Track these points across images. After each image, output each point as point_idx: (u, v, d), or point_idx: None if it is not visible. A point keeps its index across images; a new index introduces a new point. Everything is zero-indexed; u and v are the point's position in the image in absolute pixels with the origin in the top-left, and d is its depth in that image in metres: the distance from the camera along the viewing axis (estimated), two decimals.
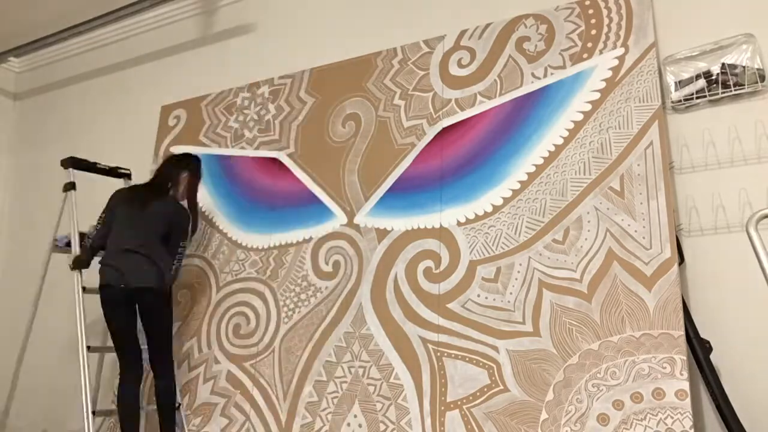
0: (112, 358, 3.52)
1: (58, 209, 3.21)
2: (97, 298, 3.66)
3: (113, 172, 3.33)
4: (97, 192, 3.11)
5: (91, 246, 2.88)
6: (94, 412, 2.60)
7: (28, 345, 3.26)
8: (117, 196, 2.89)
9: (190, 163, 3.02)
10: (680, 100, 2.40)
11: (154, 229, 2.74)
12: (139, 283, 2.63)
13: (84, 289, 2.84)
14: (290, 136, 3.18)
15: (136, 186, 3.00)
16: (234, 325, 3.03)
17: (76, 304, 2.81)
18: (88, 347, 2.71)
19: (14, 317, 4.13)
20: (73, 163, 3.15)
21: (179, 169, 2.96)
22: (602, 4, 2.58)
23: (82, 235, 3.14)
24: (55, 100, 4.55)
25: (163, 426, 2.69)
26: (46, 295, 3.51)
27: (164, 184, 2.90)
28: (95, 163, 3.24)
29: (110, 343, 2.72)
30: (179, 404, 2.91)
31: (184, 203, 2.93)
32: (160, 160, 3.57)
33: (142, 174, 3.74)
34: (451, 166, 2.70)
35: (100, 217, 2.85)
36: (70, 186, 3.12)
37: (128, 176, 3.39)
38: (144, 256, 2.67)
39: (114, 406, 2.66)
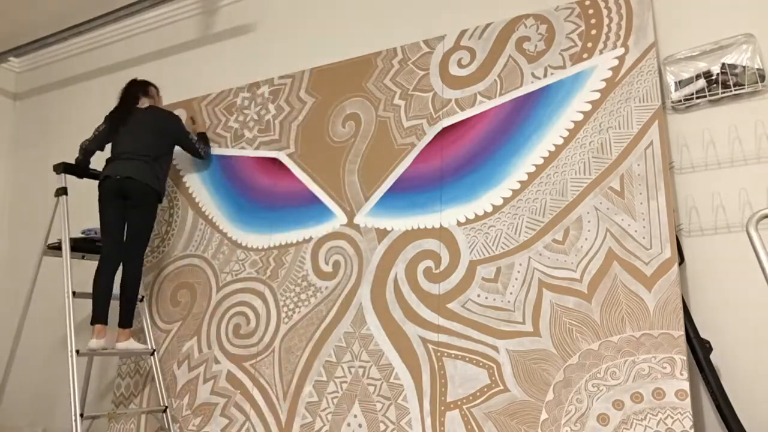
0: (99, 361, 3.55)
1: (52, 213, 3.23)
2: (85, 302, 3.69)
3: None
4: (93, 195, 3.11)
5: (86, 149, 3.16)
6: (81, 415, 2.61)
7: (18, 346, 3.27)
8: (109, 119, 3.14)
9: (148, 88, 3.27)
10: (680, 100, 2.40)
11: (147, 141, 3.02)
12: (134, 175, 2.91)
13: (74, 293, 2.88)
14: (290, 136, 3.18)
15: (119, 110, 3.16)
16: (234, 325, 3.03)
17: (66, 308, 2.83)
18: (77, 351, 2.72)
19: (13, 318, 4.13)
20: (65, 168, 3.18)
21: (148, 86, 3.26)
22: (602, 4, 2.58)
23: (74, 240, 3.16)
24: (55, 100, 4.55)
25: (122, 312, 2.91)
26: (37, 297, 3.53)
27: (136, 99, 3.17)
28: (87, 168, 3.25)
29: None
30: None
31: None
32: None
33: None
34: (451, 166, 2.70)
35: (96, 128, 3.15)
36: (62, 191, 3.16)
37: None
38: (139, 161, 2.95)
39: (102, 411, 2.70)
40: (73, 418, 2.59)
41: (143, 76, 4.06)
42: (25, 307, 3.25)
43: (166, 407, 2.95)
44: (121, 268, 2.95)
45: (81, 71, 4.44)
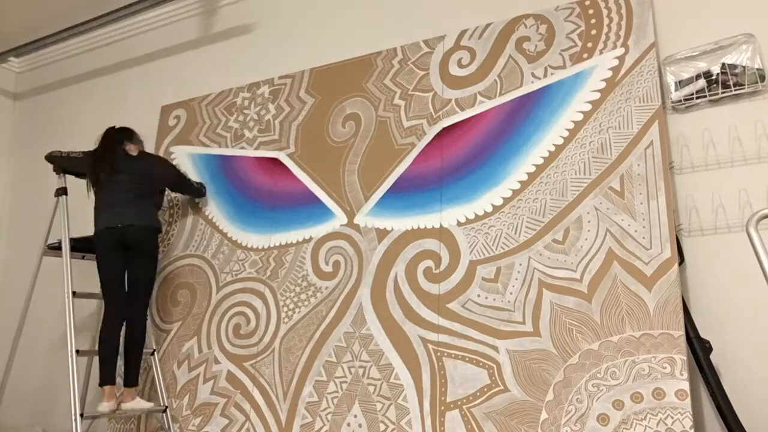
0: (98, 361, 3.55)
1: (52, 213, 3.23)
2: (85, 302, 3.69)
3: None
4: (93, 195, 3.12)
5: (61, 165, 3.12)
6: (81, 415, 2.61)
7: (19, 346, 3.27)
8: (95, 162, 3.00)
9: (133, 134, 3.12)
10: (680, 100, 2.40)
11: (136, 188, 2.93)
12: (136, 222, 2.85)
13: (74, 293, 2.87)
14: (290, 136, 3.18)
15: (99, 159, 3.01)
16: (234, 325, 3.03)
17: (66, 308, 2.82)
18: (77, 351, 2.73)
19: (13, 318, 4.13)
20: (65, 168, 3.17)
21: (130, 132, 3.11)
22: (602, 4, 2.58)
23: (74, 240, 3.16)
24: (55, 100, 4.55)
25: (128, 370, 2.82)
26: (37, 297, 3.53)
27: (122, 144, 3.03)
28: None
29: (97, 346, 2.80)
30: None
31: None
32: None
33: None
34: (451, 166, 2.70)
35: (75, 153, 3.08)
36: (62, 191, 3.15)
37: None
38: (134, 206, 2.89)
39: (100, 410, 2.69)
40: (73, 418, 2.59)
41: (143, 75, 4.08)
42: (25, 307, 3.25)
43: (166, 407, 2.94)
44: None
45: (81, 71, 4.44)
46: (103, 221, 2.86)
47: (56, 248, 3.22)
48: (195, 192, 3.27)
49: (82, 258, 3.37)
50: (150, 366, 3.14)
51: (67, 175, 3.18)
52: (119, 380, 2.89)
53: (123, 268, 2.88)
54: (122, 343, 2.83)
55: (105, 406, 2.68)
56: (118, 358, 2.77)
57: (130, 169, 2.96)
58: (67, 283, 2.87)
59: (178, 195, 3.44)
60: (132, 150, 3.05)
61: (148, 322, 2.99)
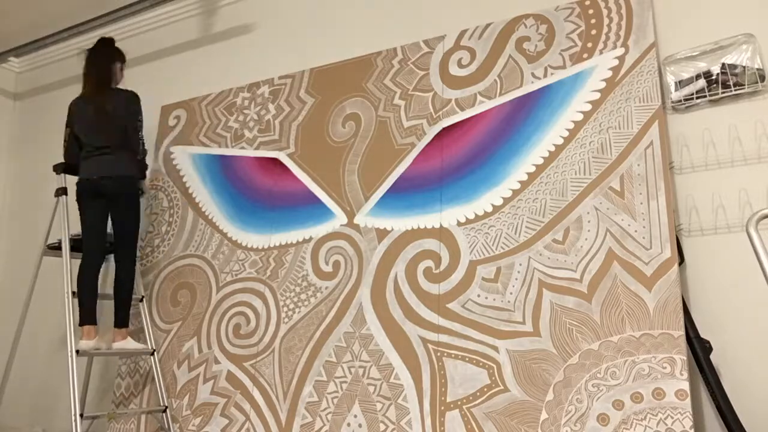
0: (99, 361, 3.55)
1: (52, 213, 3.23)
2: None
3: None
4: None
5: (68, 165, 3.13)
6: (81, 415, 2.61)
7: (19, 346, 3.27)
8: (74, 109, 3.08)
9: (118, 52, 3.19)
10: (680, 100, 2.40)
11: (115, 127, 2.97)
12: (111, 172, 2.90)
13: (74, 293, 2.87)
14: (290, 136, 3.18)
15: (86, 93, 3.08)
16: (234, 325, 3.03)
17: (65, 308, 2.82)
18: (77, 351, 2.73)
19: (13, 318, 4.13)
20: (65, 168, 3.18)
21: (114, 62, 3.15)
22: (602, 4, 2.58)
23: (74, 240, 3.15)
24: (55, 100, 4.55)
25: (118, 312, 2.91)
26: (37, 297, 3.53)
27: (108, 81, 3.08)
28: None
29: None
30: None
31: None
32: (161, 161, 3.59)
33: None
34: (451, 166, 2.70)
35: (65, 132, 3.10)
36: (62, 191, 3.16)
37: None
38: (112, 154, 2.94)
39: (102, 411, 2.70)
40: (73, 418, 2.60)
41: (143, 75, 4.07)
42: (25, 307, 3.25)
43: (166, 407, 2.95)
44: (113, 267, 2.96)
45: (81, 71, 4.43)
46: (82, 171, 2.95)
47: (56, 248, 3.23)
48: (139, 153, 3.11)
49: None
50: (150, 366, 3.14)
51: (67, 175, 3.18)
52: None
53: (103, 215, 2.95)
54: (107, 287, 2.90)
55: (84, 344, 2.75)
56: (97, 298, 2.87)
57: (106, 110, 2.96)
58: (67, 283, 2.87)
59: (179, 195, 3.44)
60: (118, 74, 3.14)
61: (137, 267, 3.06)
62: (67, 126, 3.10)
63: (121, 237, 2.97)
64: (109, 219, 2.99)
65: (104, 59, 3.12)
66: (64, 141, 3.11)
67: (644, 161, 2.33)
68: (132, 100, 3.06)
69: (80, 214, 2.94)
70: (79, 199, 2.94)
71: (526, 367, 2.33)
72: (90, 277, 2.86)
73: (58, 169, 3.18)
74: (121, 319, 2.93)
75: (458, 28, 2.92)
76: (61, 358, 3.86)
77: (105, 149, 2.95)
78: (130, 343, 2.92)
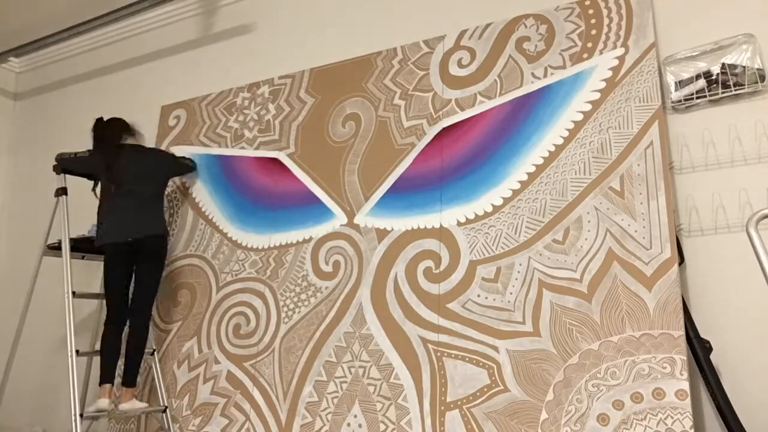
0: (98, 361, 3.55)
1: (52, 213, 3.23)
2: (85, 302, 3.68)
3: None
4: (92, 194, 3.11)
5: (65, 168, 3.14)
6: (81, 415, 2.61)
7: (19, 346, 3.27)
8: (101, 152, 3.01)
9: (129, 128, 3.13)
10: (680, 100, 2.40)
11: (141, 187, 2.95)
12: (145, 232, 2.88)
13: (74, 293, 2.88)
14: (290, 136, 3.18)
15: (101, 157, 3.01)
16: (234, 325, 3.03)
17: (66, 309, 2.83)
18: (77, 351, 2.74)
19: (13, 318, 4.13)
20: (64, 168, 3.17)
21: (126, 125, 3.12)
22: (602, 4, 2.58)
23: (74, 240, 3.15)
24: (55, 100, 4.55)
25: (127, 370, 2.85)
26: (37, 297, 3.52)
27: (119, 139, 3.04)
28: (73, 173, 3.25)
29: (98, 347, 2.84)
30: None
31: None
32: None
33: None
34: (451, 166, 2.70)
35: (78, 154, 3.08)
36: (62, 191, 3.16)
37: None
38: (139, 209, 2.91)
39: (96, 406, 2.70)
40: (73, 418, 2.59)
41: (143, 75, 4.07)
42: (25, 307, 3.25)
43: (166, 407, 2.95)
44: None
45: (81, 71, 4.44)
46: (114, 233, 2.86)
47: (56, 248, 3.23)
48: (190, 170, 3.34)
49: (82, 258, 3.38)
50: (150, 366, 3.14)
51: (67, 175, 3.18)
52: (118, 380, 2.89)
53: (129, 274, 2.92)
54: (124, 344, 2.86)
55: (101, 403, 2.71)
56: (119, 358, 2.81)
57: (138, 169, 2.97)
58: (67, 283, 2.87)
59: (179, 195, 3.44)
60: (133, 141, 3.10)
61: (150, 324, 3.00)
62: (89, 153, 3.05)
63: (142, 293, 2.92)
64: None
65: (119, 127, 3.10)
66: (75, 155, 3.08)
67: (644, 161, 2.33)
68: (160, 150, 3.22)
69: (106, 271, 2.87)
70: (107, 259, 2.87)
71: (526, 367, 2.33)
72: (116, 337, 2.82)
73: (58, 169, 3.18)
74: (131, 378, 2.86)
75: (458, 28, 2.92)
76: (61, 358, 3.86)
77: (137, 202, 2.91)
78: (136, 404, 2.85)
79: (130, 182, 2.93)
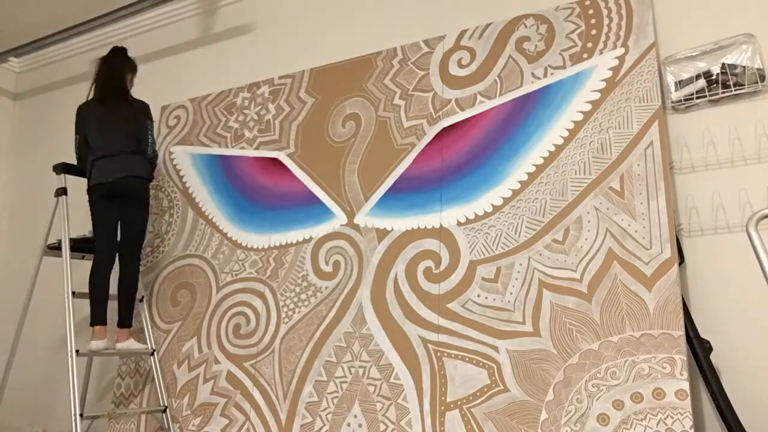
0: (99, 361, 3.55)
1: (52, 213, 3.23)
2: (85, 302, 3.67)
3: None
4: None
5: (76, 168, 3.14)
6: (81, 415, 2.62)
7: (19, 346, 3.27)
8: (86, 114, 3.04)
9: (131, 62, 3.20)
10: (680, 100, 2.40)
11: (129, 133, 2.98)
12: (129, 172, 2.91)
13: (74, 293, 2.88)
14: (290, 136, 3.18)
15: (99, 100, 3.06)
16: (234, 325, 3.03)
17: (65, 309, 2.83)
18: (77, 351, 2.74)
19: (13, 318, 4.13)
20: (65, 168, 3.17)
21: (128, 72, 3.17)
22: (602, 4, 2.58)
23: (74, 240, 3.15)
24: (55, 100, 4.55)
25: (122, 311, 2.93)
26: (37, 297, 3.52)
27: (122, 89, 3.10)
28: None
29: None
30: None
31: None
32: (161, 161, 3.59)
33: None
34: (451, 166, 2.70)
35: (76, 138, 3.07)
36: (62, 191, 3.16)
37: None
38: (126, 155, 2.94)
39: (102, 411, 2.70)
40: (74, 418, 2.60)
41: (143, 75, 4.07)
42: (25, 307, 3.25)
43: (166, 407, 2.95)
44: (117, 267, 2.96)
45: (81, 71, 4.44)
46: (100, 173, 2.90)
47: (56, 248, 3.22)
48: (152, 153, 3.16)
49: (82, 258, 3.37)
50: (150, 366, 3.14)
51: (67, 176, 3.18)
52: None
53: (116, 218, 2.97)
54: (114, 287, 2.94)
55: (94, 344, 2.77)
56: (108, 300, 2.88)
57: (121, 115, 3.00)
58: (67, 283, 2.88)
59: (179, 195, 3.44)
60: (129, 83, 3.14)
61: (140, 267, 3.09)
62: (77, 132, 3.07)
63: (130, 237, 2.99)
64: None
65: (118, 68, 3.14)
66: (77, 148, 3.08)
67: (644, 161, 2.33)
68: (144, 107, 3.13)
69: (93, 216, 2.94)
70: (94, 202, 2.94)
71: (526, 367, 2.33)
72: (103, 278, 2.87)
73: (58, 169, 3.18)
74: (125, 319, 2.94)
75: (458, 28, 2.92)
76: (61, 358, 3.86)
77: (120, 152, 2.94)
78: (133, 344, 2.93)
79: (117, 130, 2.97)
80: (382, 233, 2.78)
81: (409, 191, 2.77)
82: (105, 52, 4.30)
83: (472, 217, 2.60)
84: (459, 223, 2.62)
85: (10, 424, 3.88)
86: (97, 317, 2.82)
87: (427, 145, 2.78)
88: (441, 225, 2.65)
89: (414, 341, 2.57)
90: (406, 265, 2.68)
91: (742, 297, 2.21)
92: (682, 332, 2.11)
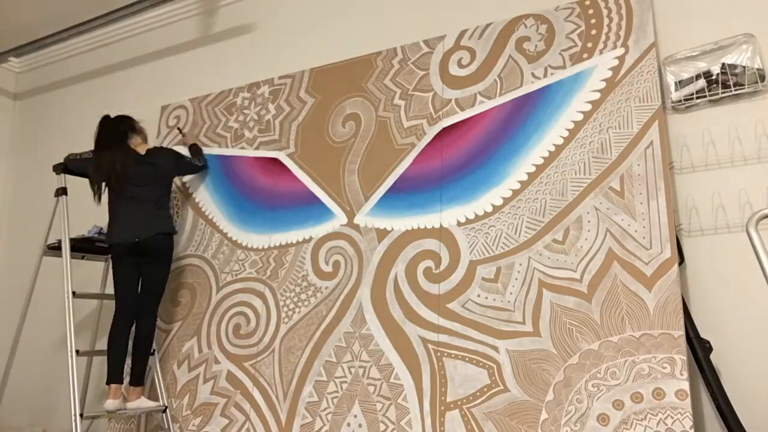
0: (99, 361, 3.55)
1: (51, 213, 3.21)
2: (85, 302, 3.67)
3: None
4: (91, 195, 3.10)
5: (70, 168, 3.09)
6: (81, 415, 2.62)
7: (19, 346, 3.27)
8: (101, 154, 2.97)
9: (129, 126, 3.07)
10: (680, 100, 2.40)
11: (146, 191, 2.93)
12: (152, 230, 2.85)
13: (74, 294, 2.88)
14: (290, 136, 3.18)
15: (105, 165, 2.94)
16: (234, 325, 3.03)
17: (65, 309, 2.83)
18: (77, 351, 2.75)
19: (13, 318, 4.13)
20: (65, 168, 3.15)
21: (131, 123, 3.08)
22: (602, 4, 2.58)
23: (74, 240, 3.14)
24: (55, 100, 4.55)
25: (135, 368, 2.85)
26: (37, 297, 3.52)
27: (122, 138, 3.00)
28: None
29: (100, 347, 2.88)
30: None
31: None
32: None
33: None
34: (451, 166, 2.70)
35: (86, 153, 3.03)
36: (62, 191, 3.14)
37: None
38: (147, 209, 2.90)
39: (105, 407, 2.69)
40: (73, 418, 2.59)
41: (143, 75, 4.07)
42: (25, 307, 3.25)
43: (166, 407, 2.95)
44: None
45: (81, 71, 4.44)
46: (120, 233, 2.85)
47: (56, 248, 3.22)
48: (196, 169, 3.29)
49: (82, 258, 3.38)
50: (150, 366, 3.14)
51: (67, 176, 3.18)
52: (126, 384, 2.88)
53: (138, 273, 2.91)
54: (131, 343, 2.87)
55: (110, 404, 2.69)
56: (126, 357, 2.82)
57: (141, 173, 2.94)
58: (67, 283, 2.88)
59: (179, 195, 3.44)
60: (138, 145, 3.03)
61: (157, 324, 3.02)
62: (87, 159, 3.01)
63: (150, 291, 2.93)
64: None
65: (124, 124, 3.06)
66: (80, 156, 3.04)
67: (644, 161, 2.33)
68: (164, 149, 3.12)
69: (114, 271, 2.87)
70: (114, 259, 2.87)
71: (526, 367, 2.33)
72: (124, 336, 2.80)
73: (58, 169, 3.17)
74: (138, 377, 2.87)
75: (458, 28, 2.92)
76: (61, 358, 3.86)
77: (143, 203, 2.91)
78: (144, 402, 2.84)
79: (134, 186, 2.91)
80: (382, 233, 2.78)
81: (409, 191, 2.77)
82: (105, 52, 4.34)
83: (472, 217, 2.60)
84: (459, 223, 2.62)
85: (10, 424, 3.88)
86: (114, 376, 2.74)
87: (427, 145, 2.78)
88: (441, 225, 2.65)
89: (414, 341, 2.57)
90: (406, 265, 2.68)
91: (742, 297, 2.21)
92: (682, 332, 2.11)
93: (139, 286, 2.93)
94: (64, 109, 4.46)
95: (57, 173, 3.18)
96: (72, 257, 3.03)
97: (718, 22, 2.42)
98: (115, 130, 3.02)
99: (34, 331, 3.98)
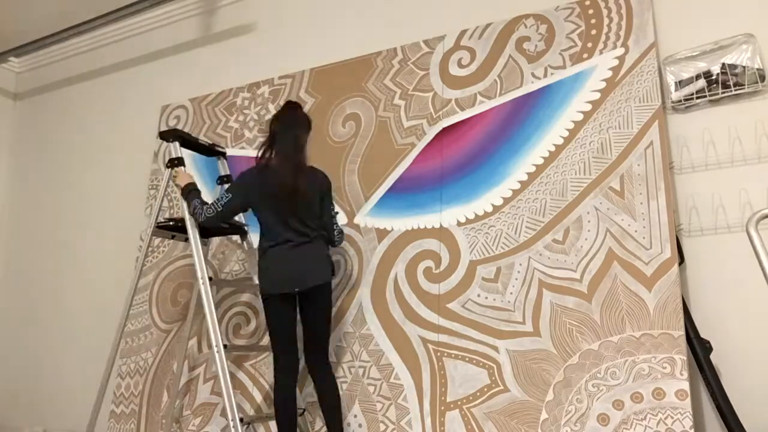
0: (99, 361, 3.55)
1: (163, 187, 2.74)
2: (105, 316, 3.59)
3: (211, 149, 2.94)
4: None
5: (221, 213, 2.45)
6: (241, 420, 2.34)
7: (19, 346, 3.22)
8: (256, 181, 2.44)
9: (309, 120, 2.55)
10: (680, 100, 2.40)
11: (311, 212, 2.43)
12: (313, 282, 2.35)
13: (210, 279, 2.54)
14: None
15: (278, 168, 2.43)
16: (234, 325, 3.03)
17: (203, 295, 2.50)
18: (225, 345, 2.43)
19: (13, 317, 4.13)
20: (176, 136, 2.66)
21: (308, 132, 2.53)
22: (602, 4, 2.58)
23: (172, 220, 2.80)
24: (55, 100, 4.55)
25: (332, 428, 2.35)
26: (38, 297, 3.49)
27: (303, 157, 2.47)
28: (197, 138, 2.84)
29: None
30: (304, 410, 2.66)
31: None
32: (160, 161, 3.59)
33: (141, 173, 3.75)
34: (451, 166, 2.70)
35: (231, 190, 2.46)
36: (178, 161, 2.64)
37: (224, 155, 3.01)
38: (310, 246, 2.39)
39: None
40: (231, 423, 2.30)
41: (143, 75, 4.07)
42: (130, 299, 2.72)
43: (304, 410, 2.62)
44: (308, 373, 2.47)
45: (81, 71, 4.43)
46: (279, 282, 2.35)
47: (165, 228, 2.80)
48: (336, 238, 2.56)
49: (172, 238, 2.93)
50: (149, 366, 3.13)
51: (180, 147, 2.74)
52: None
53: (296, 316, 2.41)
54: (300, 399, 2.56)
55: None
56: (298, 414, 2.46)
57: (305, 193, 2.42)
58: (201, 269, 2.51)
59: (179, 195, 3.44)
60: (306, 158, 2.49)
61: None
62: (238, 189, 2.47)
63: (317, 336, 2.42)
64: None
65: (303, 131, 2.50)
66: (222, 202, 2.45)
67: (644, 161, 2.33)
68: (328, 180, 2.57)
69: (271, 319, 2.39)
70: (272, 306, 2.39)
71: (526, 367, 2.33)
72: (293, 397, 2.36)
73: (168, 136, 2.69)
74: None
75: (458, 28, 2.92)
76: (63, 358, 3.86)
77: (303, 240, 2.38)
78: None
79: (302, 211, 2.40)
80: (382, 233, 2.78)
81: (409, 191, 2.77)
82: (105, 52, 4.34)
83: (472, 217, 2.60)
84: (459, 223, 2.62)
85: (10, 423, 3.88)
86: None
87: (427, 145, 2.78)
88: (441, 225, 2.65)
89: (414, 341, 2.57)
90: (406, 265, 2.68)
91: (742, 297, 2.21)
92: (682, 332, 2.11)
93: (303, 332, 2.45)
94: (64, 109, 4.46)
95: (168, 141, 2.69)
96: (161, 236, 2.71)
97: (718, 22, 2.42)
98: (301, 133, 2.51)
99: (36, 331, 3.97)
